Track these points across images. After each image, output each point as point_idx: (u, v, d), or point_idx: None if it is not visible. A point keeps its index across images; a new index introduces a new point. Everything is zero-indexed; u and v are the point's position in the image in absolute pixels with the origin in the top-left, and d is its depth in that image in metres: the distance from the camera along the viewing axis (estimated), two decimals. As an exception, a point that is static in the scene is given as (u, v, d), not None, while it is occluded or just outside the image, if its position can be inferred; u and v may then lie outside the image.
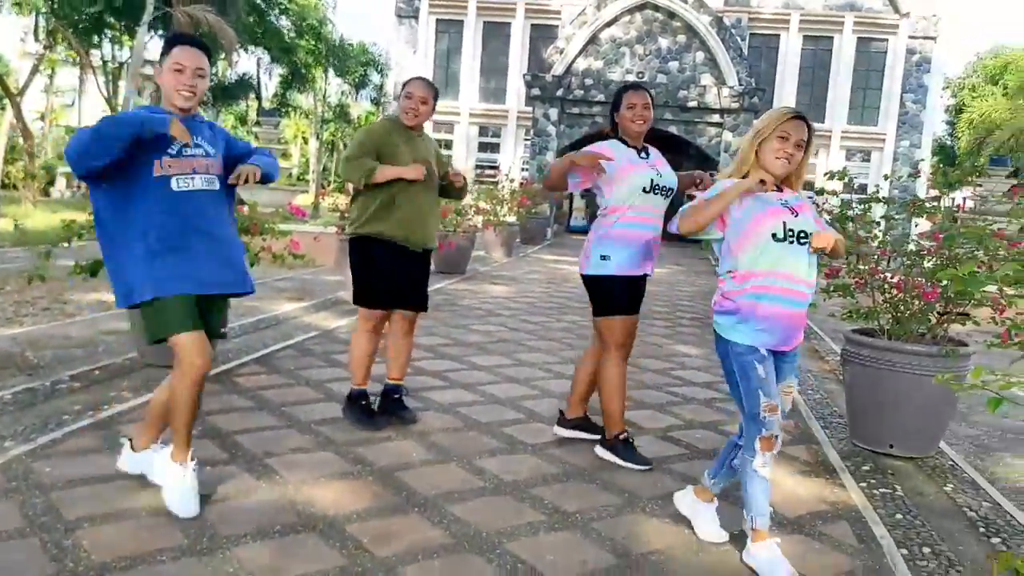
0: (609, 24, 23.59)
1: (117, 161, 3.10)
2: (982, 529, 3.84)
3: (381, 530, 3.30)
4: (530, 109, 24.31)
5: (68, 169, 26.83)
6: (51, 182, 26.54)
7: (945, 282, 4.70)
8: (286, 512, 3.41)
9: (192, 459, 3.37)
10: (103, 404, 4.69)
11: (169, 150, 3.26)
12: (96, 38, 22.70)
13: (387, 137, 4.44)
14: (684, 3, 23.03)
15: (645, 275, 4.32)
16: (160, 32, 20.24)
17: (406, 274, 4.53)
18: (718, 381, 6.42)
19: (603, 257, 4.23)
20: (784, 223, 3.14)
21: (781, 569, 3.09)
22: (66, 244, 5.64)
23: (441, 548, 3.19)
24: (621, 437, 4.30)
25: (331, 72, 32.42)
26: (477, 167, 27.39)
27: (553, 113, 23.11)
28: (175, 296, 3.22)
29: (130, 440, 3.62)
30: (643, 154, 4.31)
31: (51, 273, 6.68)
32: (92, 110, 32.45)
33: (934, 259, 4.82)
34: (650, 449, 4.46)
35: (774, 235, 3.13)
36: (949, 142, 45.28)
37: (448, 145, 27.93)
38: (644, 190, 4.21)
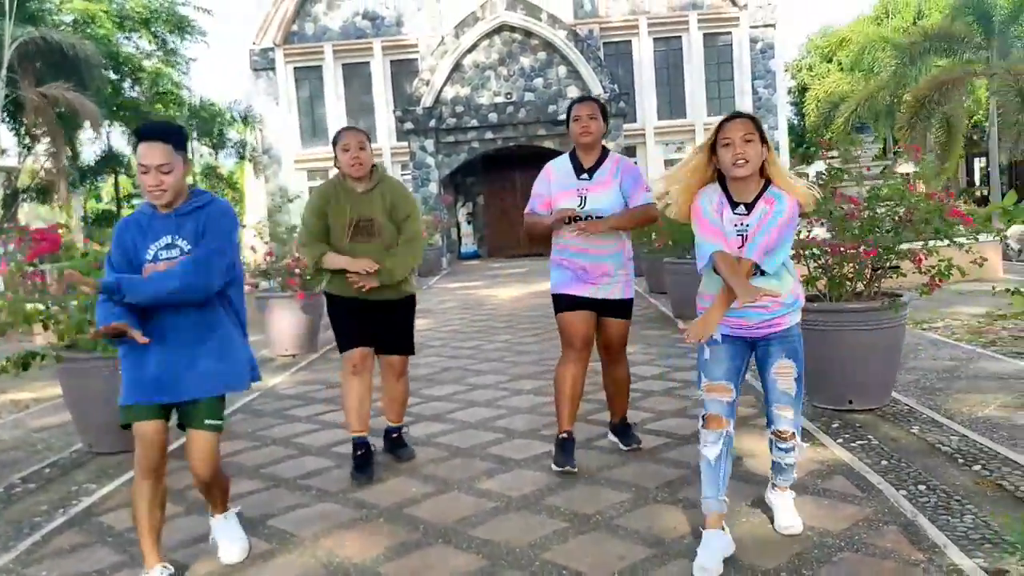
0: (470, 50, 23.84)
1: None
2: (960, 460, 4.10)
3: (414, 566, 3.28)
4: (404, 144, 24.35)
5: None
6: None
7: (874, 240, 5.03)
8: (313, 568, 3.33)
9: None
10: (71, 500, 4.45)
11: (146, 256, 3.18)
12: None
13: (330, 198, 4.45)
14: (538, 21, 23.49)
15: (593, 298, 4.30)
16: (9, 120, 19.21)
17: (377, 322, 4.51)
18: (668, 371, 6.61)
19: (552, 278, 4.43)
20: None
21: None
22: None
23: (480, 572, 3.19)
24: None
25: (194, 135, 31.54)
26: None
27: (429, 144, 23.17)
28: (129, 405, 3.20)
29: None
30: (584, 175, 4.30)
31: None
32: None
33: (859, 222, 5.11)
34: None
35: (714, 268, 3.17)
36: (796, 121, 47.61)
37: (326, 191, 27.61)
38: (565, 222, 4.22)
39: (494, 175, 25.92)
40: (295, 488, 4.34)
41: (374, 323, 4.52)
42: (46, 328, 5.42)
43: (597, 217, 4.20)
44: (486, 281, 17.16)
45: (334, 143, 4.45)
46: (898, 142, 24.28)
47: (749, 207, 3.16)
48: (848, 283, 5.21)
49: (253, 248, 10.43)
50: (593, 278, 4.29)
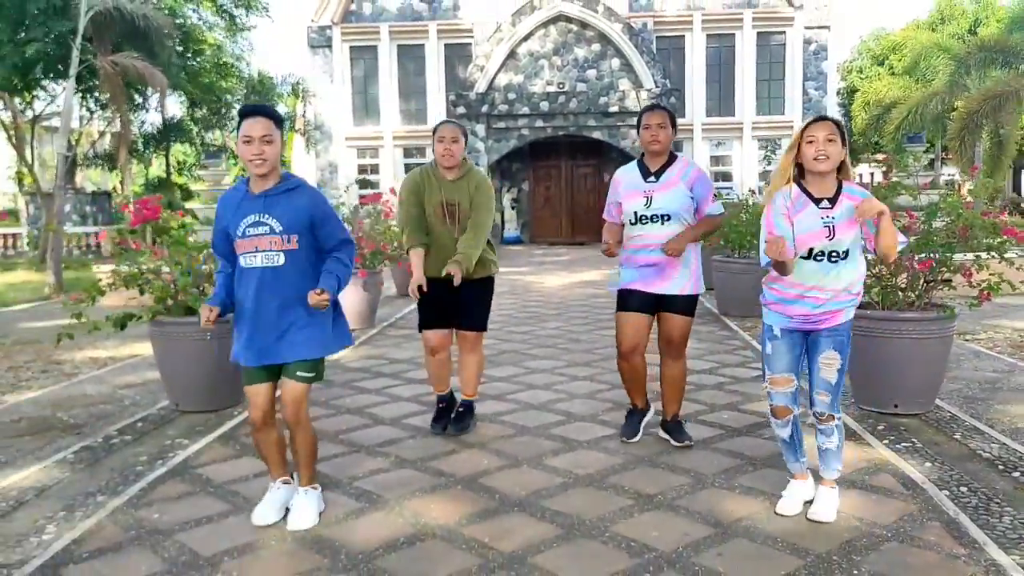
0: (526, 39, 24.14)
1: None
2: (1000, 467, 4.36)
3: (495, 530, 3.61)
4: (454, 127, 24.70)
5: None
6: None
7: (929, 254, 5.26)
8: (401, 525, 3.69)
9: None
10: (167, 452, 4.85)
11: (237, 232, 3.61)
12: (25, 96, 22.00)
13: (424, 184, 4.89)
14: (595, 13, 23.73)
15: (659, 294, 4.64)
16: (78, 86, 19.76)
17: (455, 302, 4.90)
18: (717, 367, 6.89)
19: (618, 273, 4.76)
20: (812, 248, 3.52)
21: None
22: (90, 303, 5.70)
23: (556, 538, 3.52)
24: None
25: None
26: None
27: (480, 129, 23.55)
28: (243, 368, 3.73)
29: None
30: (651, 177, 4.63)
31: (18, 335, 6.57)
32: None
33: (916, 236, 5.35)
34: (691, 433, 4.83)
35: (803, 256, 3.54)
36: (844, 123, 47.28)
37: (375, 169, 28.09)
38: (631, 221, 4.62)
39: (540, 162, 26.24)
40: (374, 454, 4.70)
41: (453, 303, 4.90)
42: (142, 293, 5.82)
43: (663, 216, 4.54)
44: (531, 267, 17.47)
45: (433, 132, 4.90)
46: (947, 150, 24.17)
47: (832, 200, 3.51)
48: (901, 293, 5.46)
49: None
50: (663, 274, 4.60)
